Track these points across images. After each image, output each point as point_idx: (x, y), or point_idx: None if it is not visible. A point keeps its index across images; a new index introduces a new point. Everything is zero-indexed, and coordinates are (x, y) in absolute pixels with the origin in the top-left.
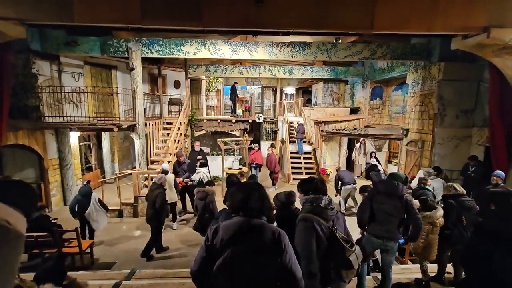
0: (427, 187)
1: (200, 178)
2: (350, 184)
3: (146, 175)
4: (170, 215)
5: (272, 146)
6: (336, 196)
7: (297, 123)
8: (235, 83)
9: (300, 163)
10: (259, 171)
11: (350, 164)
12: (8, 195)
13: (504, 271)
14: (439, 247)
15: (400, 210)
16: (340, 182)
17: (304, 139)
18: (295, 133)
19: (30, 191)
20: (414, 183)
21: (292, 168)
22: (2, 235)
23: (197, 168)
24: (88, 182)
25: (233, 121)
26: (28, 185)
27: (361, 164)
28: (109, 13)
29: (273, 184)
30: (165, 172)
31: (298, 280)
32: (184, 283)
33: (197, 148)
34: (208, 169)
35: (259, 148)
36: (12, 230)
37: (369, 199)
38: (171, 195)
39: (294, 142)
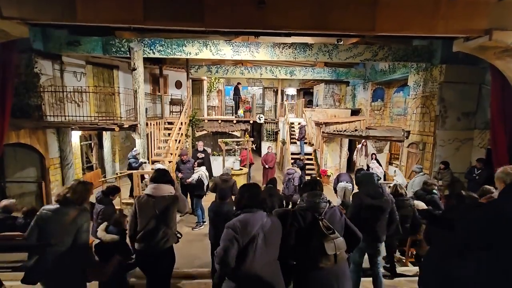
0: (434, 191)
1: (199, 177)
2: (343, 182)
3: (147, 175)
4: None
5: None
6: (337, 197)
7: (299, 124)
8: (238, 83)
9: None
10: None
11: (351, 165)
12: (166, 177)
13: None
14: None
15: (385, 211)
16: (337, 180)
17: (305, 140)
18: (300, 135)
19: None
20: (410, 183)
21: None
22: (174, 199)
23: (195, 167)
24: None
25: (234, 121)
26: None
27: (362, 165)
28: (112, 13)
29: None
30: None
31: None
32: (188, 282)
33: (200, 148)
34: (209, 168)
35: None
36: (177, 195)
37: (357, 207)
38: None
39: (295, 143)
